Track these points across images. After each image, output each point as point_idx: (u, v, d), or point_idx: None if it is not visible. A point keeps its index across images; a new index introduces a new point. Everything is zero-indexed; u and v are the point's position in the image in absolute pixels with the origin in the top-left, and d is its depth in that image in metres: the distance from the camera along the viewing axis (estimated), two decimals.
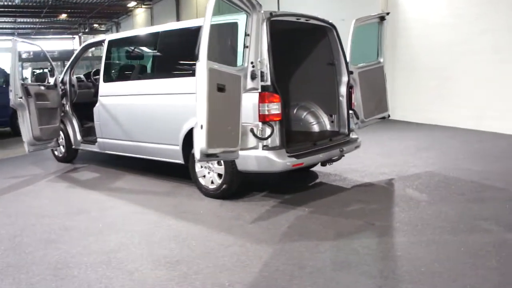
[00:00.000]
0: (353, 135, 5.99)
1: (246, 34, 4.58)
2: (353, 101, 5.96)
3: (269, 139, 4.83)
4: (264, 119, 4.79)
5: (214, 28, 4.07)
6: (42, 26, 36.25)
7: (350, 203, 5.13)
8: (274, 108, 4.83)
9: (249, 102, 4.79)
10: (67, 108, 7.32)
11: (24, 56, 21.37)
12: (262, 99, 4.78)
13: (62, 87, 7.25)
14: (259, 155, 4.85)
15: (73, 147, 7.34)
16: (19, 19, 31.55)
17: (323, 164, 5.56)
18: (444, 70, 10.37)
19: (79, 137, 7.21)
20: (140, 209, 5.15)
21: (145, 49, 6.75)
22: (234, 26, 4.69)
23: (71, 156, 7.62)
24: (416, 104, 11.23)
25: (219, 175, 5.27)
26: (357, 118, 6.01)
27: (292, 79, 6.55)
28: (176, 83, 5.68)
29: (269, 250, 3.86)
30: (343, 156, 5.79)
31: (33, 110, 6.47)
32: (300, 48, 6.33)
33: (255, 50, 4.63)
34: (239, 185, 5.32)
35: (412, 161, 7.00)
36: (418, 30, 11.04)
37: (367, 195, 5.39)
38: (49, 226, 4.70)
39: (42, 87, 6.81)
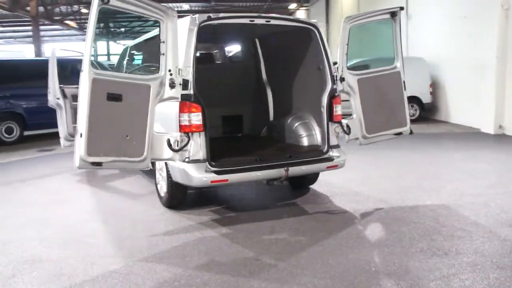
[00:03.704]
0: (334, 153, 5.17)
1: (162, 41, 4.39)
2: (335, 113, 5.15)
3: (191, 151, 4.53)
4: (184, 129, 4.52)
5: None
6: None
7: (282, 231, 4.48)
8: (195, 119, 4.51)
9: (171, 112, 4.58)
10: None
11: None
12: (182, 109, 4.51)
13: None
14: (180, 168, 4.60)
15: None
16: None
17: (268, 183, 4.93)
18: None
19: None
20: (82, 210, 5.35)
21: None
22: None
23: None
24: None
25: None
26: (346, 133, 5.16)
27: (291, 87, 5.96)
28: None
29: (110, 268, 3.71)
30: (313, 176, 5.12)
31: (69, 109, 7.28)
32: (293, 53, 5.73)
33: (172, 58, 4.41)
34: (184, 195, 5.14)
35: (434, 191, 5.65)
36: None
37: (313, 225, 4.62)
38: None
39: None
